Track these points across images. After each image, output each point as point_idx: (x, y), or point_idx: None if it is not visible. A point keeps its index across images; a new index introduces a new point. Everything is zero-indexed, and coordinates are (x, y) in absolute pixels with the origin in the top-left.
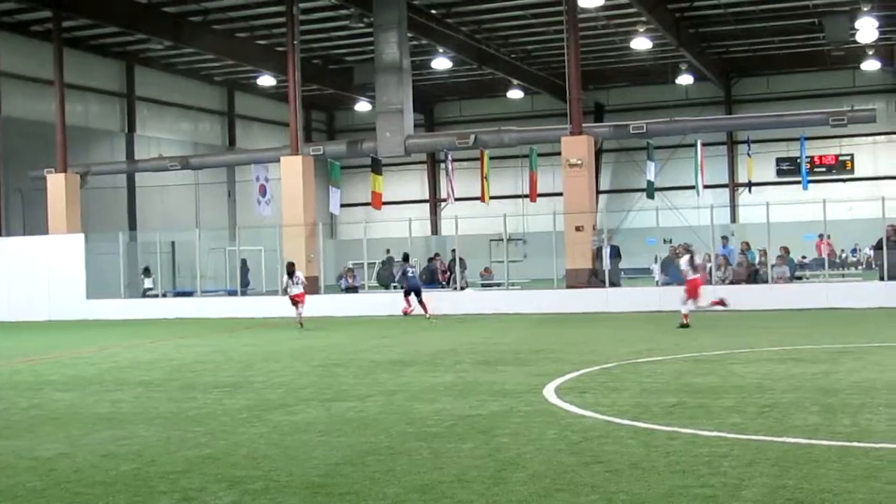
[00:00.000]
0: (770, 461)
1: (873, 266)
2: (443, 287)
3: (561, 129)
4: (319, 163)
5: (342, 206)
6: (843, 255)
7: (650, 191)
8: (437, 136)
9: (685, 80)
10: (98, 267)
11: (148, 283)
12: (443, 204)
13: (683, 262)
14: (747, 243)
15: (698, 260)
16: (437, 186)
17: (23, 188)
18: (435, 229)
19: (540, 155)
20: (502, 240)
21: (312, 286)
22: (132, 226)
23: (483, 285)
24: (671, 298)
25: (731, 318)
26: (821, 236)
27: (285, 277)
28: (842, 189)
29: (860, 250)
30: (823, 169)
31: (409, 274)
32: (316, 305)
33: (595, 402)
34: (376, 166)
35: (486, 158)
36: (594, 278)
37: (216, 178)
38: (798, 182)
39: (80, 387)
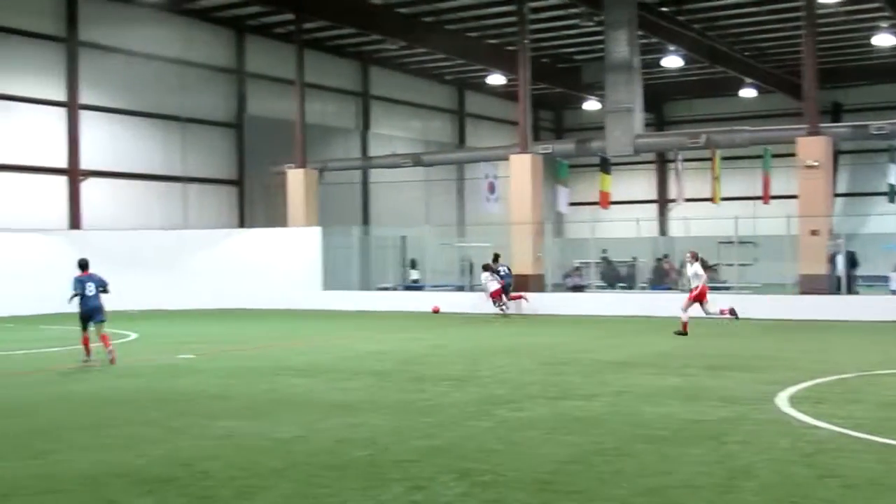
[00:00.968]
0: None
1: None
2: (670, 289)
3: (796, 130)
4: (547, 161)
5: (569, 204)
6: None
7: (892, 195)
8: (667, 135)
9: None
10: (333, 259)
11: (414, 274)
12: (671, 204)
13: (696, 267)
14: None
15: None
16: (665, 187)
17: (264, 183)
18: (662, 230)
19: (774, 156)
20: (731, 242)
21: (539, 284)
22: (365, 220)
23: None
24: None
25: None
26: None
27: (485, 274)
28: None
29: None
30: None
31: (503, 273)
32: (541, 303)
33: (831, 413)
34: (605, 166)
35: (717, 159)
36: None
37: (446, 176)
38: None
39: (316, 374)
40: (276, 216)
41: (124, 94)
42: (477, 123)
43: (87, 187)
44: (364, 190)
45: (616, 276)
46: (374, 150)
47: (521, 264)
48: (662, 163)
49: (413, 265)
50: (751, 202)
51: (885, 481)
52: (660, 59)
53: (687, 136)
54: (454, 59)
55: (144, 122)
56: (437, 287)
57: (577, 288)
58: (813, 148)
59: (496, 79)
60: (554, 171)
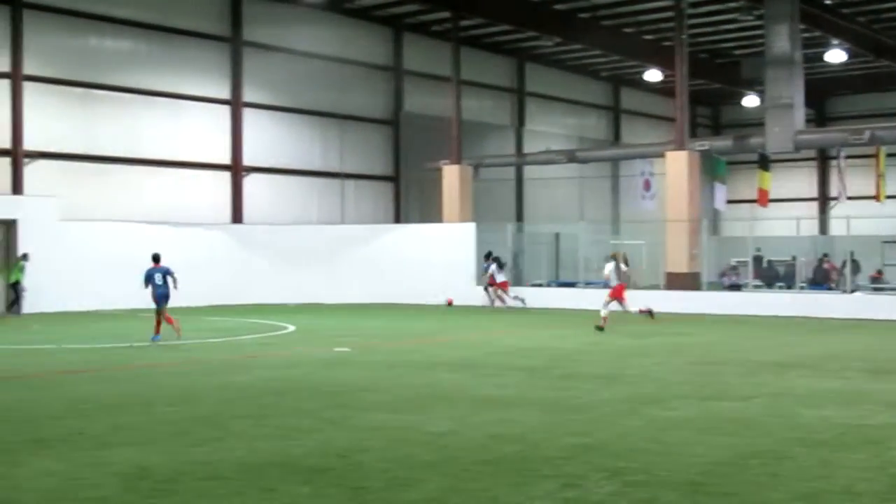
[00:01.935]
0: None
1: None
2: (831, 289)
3: None
4: (704, 158)
5: (727, 202)
6: None
7: None
8: (829, 131)
9: None
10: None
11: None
12: (832, 202)
13: (611, 267)
14: None
15: (623, 267)
16: (826, 184)
17: (419, 179)
18: (823, 229)
19: None
20: None
21: (694, 283)
22: (519, 216)
23: (874, 289)
24: None
25: None
26: None
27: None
28: None
29: None
30: None
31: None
32: (696, 303)
33: None
34: (764, 163)
35: (882, 155)
36: None
37: (600, 172)
38: None
39: (467, 369)
40: (430, 212)
41: (285, 91)
42: (632, 120)
43: (249, 183)
44: (518, 186)
45: (774, 276)
46: (529, 146)
47: (676, 262)
48: (824, 160)
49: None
50: None
51: None
52: (822, 53)
53: (850, 133)
54: (610, 56)
55: (303, 120)
56: (589, 284)
57: (734, 287)
58: None
59: (653, 75)
60: (711, 169)
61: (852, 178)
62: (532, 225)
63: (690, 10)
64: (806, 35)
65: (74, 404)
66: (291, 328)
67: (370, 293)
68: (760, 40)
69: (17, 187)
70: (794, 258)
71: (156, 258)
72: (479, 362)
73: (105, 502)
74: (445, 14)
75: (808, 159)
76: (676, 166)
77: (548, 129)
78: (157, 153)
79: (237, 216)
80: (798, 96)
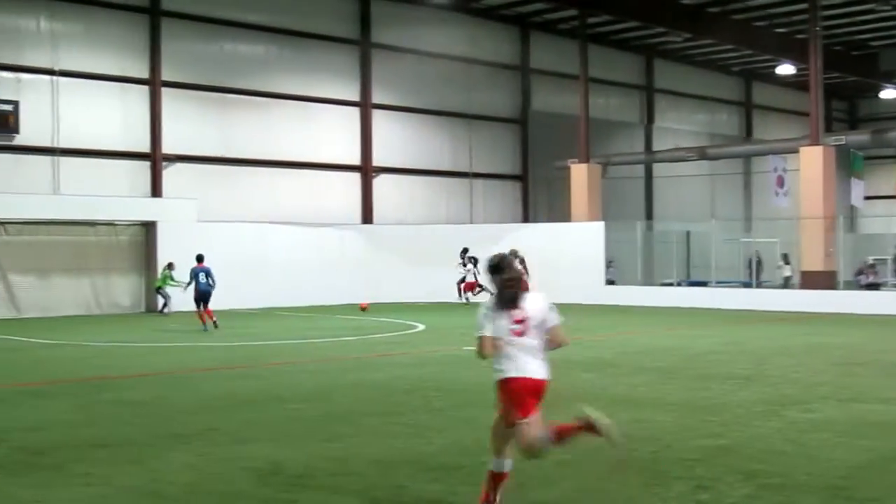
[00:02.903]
0: None
1: None
2: None
3: None
4: (840, 153)
5: (864, 198)
6: None
7: None
8: None
9: None
10: (615, 254)
11: (787, 271)
12: None
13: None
14: None
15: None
16: None
17: (547, 177)
18: None
19: None
20: None
21: (830, 281)
22: (648, 215)
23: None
24: None
25: None
26: None
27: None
28: None
29: None
30: None
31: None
32: (831, 302)
33: None
34: None
35: None
36: None
37: (732, 169)
38: None
39: (600, 368)
40: (558, 211)
41: (413, 92)
42: (765, 115)
43: (378, 183)
44: (647, 184)
45: None
46: (658, 143)
47: (811, 260)
48: None
49: (786, 259)
50: None
51: None
52: None
53: None
54: (741, 50)
55: (431, 120)
56: (721, 283)
57: (872, 286)
58: None
59: (785, 68)
60: (847, 164)
61: None
62: (662, 223)
63: (824, 2)
64: None
65: (209, 401)
66: (421, 327)
67: None
68: None
69: (156, 190)
70: None
71: (199, 258)
72: (612, 361)
73: (240, 496)
74: (572, 12)
75: None
76: (811, 162)
77: (677, 126)
78: (289, 155)
79: (367, 216)
80: None
